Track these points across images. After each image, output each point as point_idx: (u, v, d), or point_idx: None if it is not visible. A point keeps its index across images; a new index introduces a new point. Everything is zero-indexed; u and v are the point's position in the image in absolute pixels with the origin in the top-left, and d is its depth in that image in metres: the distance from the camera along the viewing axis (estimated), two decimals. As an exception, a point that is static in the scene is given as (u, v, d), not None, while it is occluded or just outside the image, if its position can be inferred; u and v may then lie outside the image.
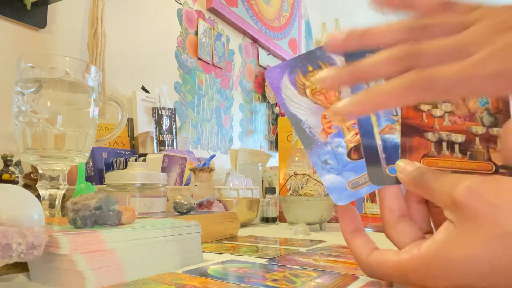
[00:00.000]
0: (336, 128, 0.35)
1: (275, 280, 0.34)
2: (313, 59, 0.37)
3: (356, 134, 0.35)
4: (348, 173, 0.34)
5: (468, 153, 0.31)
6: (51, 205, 0.49)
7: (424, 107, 0.33)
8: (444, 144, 0.32)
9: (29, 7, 0.91)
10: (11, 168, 0.75)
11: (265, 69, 1.94)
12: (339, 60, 0.36)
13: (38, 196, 0.44)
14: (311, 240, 0.64)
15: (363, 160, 0.33)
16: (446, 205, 0.27)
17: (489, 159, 0.31)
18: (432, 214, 0.33)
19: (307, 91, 0.36)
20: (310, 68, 0.37)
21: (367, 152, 0.33)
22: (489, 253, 0.24)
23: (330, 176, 0.34)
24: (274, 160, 1.64)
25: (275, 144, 1.98)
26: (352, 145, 0.34)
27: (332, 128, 0.35)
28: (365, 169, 0.33)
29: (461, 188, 0.25)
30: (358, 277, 0.36)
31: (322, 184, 0.83)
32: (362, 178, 0.33)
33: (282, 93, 0.37)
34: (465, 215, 0.25)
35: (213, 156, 1.04)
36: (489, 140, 0.31)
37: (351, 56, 0.36)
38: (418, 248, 0.28)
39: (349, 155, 0.34)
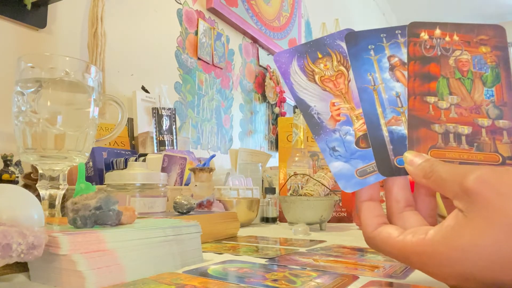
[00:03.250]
0: (345, 116, 0.35)
1: (275, 280, 0.34)
2: (322, 46, 0.37)
3: (365, 123, 0.35)
4: (356, 161, 0.34)
5: (475, 144, 0.31)
6: (51, 205, 0.49)
7: (431, 99, 0.33)
8: (451, 135, 0.32)
9: (29, 7, 0.91)
10: (11, 168, 0.75)
11: (265, 69, 1.94)
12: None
13: (38, 196, 0.44)
14: (311, 240, 0.63)
15: (371, 148, 0.34)
16: (456, 194, 0.27)
17: (496, 151, 0.31)
18: (447, 207, 0.33)
19: (316, 77, 0.36)
20: (320, 55, 0.37)
21: (374, 143, 0.33)
22: (495, 242, 0.24)
23: (338, 163, 0.34)
24: (274, 160, 1.64)
25: (275, 144, 1.98)
26: (361, 133, 0.34)
27: (341, 115, 0.35)
28: (373, 158, 0.33)
29: (472, 177, 0.26)
30: (358, 277, 0.36)
31: (323, 184, 0.83)
32: (370, 166, 0.33)
33: (290, 78, 0.37)
34: (474, 203, 0.25)
35: (213, 156, 1.04)
36: (495, 132, 0.31)
37: (353, 47, 0.36)
38: (426, 234, 0.28)
39: (357, 143, 0.34)
